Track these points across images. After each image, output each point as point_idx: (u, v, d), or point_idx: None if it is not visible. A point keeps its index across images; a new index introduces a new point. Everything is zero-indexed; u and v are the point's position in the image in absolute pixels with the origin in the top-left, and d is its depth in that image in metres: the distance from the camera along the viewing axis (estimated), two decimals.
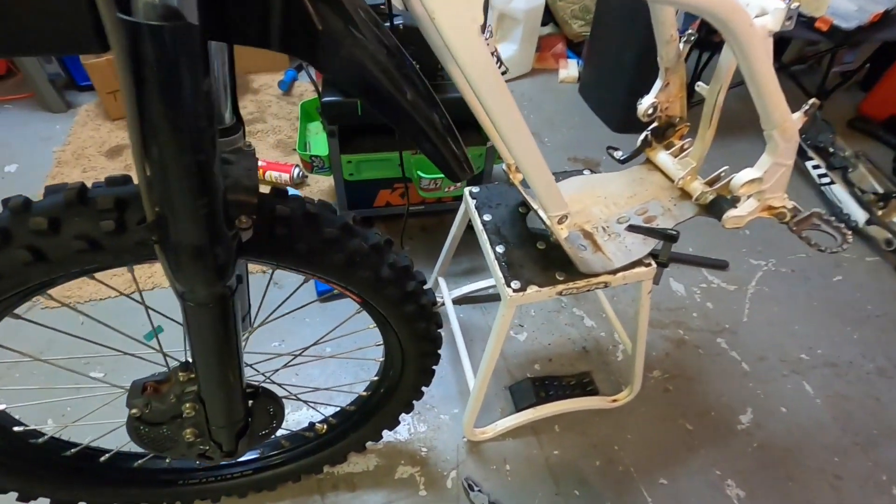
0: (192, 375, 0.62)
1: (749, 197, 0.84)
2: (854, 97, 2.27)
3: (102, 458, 0.81)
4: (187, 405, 0.62)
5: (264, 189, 0.54)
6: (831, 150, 1.80)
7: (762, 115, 0.71)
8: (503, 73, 1.34)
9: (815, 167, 1.77)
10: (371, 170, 1.32)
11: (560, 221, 0.73)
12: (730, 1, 0.53)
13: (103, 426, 0.76)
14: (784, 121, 0.70)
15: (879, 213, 1.60)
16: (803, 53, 2.28)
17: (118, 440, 0.74)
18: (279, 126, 1.91)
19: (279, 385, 0.87)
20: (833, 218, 0.82)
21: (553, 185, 0.67)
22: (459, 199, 1.24)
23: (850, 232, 0.80)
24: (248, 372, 0.83)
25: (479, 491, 1.03)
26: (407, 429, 1.12)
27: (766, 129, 0.72)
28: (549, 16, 2.37)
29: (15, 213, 0.47)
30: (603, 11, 1.98)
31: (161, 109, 0.35)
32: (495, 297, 1.37)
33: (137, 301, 0.67)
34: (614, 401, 1.18)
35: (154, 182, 0.39)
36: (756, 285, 1.49)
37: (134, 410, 0.63)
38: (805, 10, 0.64)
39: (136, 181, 0.44)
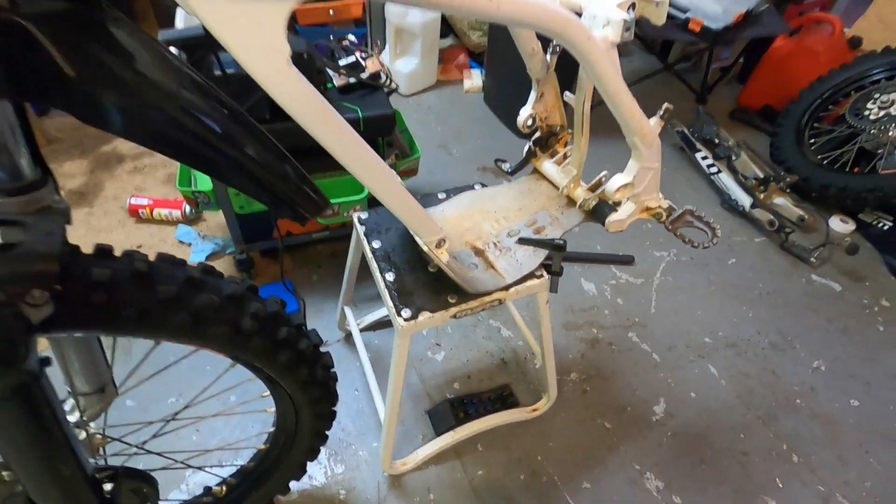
0: None
1: (627, 200, 0.86)
2: (734, 90, 2.46)
3: None
4: None
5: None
6: (716, 141, 1.93)
7: (621, 124, 0.72)
8: (392, 90, 1.32)
9: (704, 158, 1.89)
10: None
11: (438, 246, 0.71)
12: (562, 17, 0.53)
13: None
14: (641, 127, 0.72)
15: (761, 196, 1.72)
16: (686, 52, 2.45)
17: None
18: (169, 159, 1.77)
19: (160, 455, 0.78)
20: (703, 214, 0.86)
21: (419, 212, 0.64)
22: None
23: (718, 226, 0.84)
24: (115, 446, 0.74)
25: None
26: (323, 472, 1.05)
27: (627, 137, 0.74)
28: (448, 28, 2.38)
29: None
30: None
31: None
32: None
33: None
34: (534, 410, 1.17)
35: None
36: (661, 276, 1.56)
37: None
38: (650, 19, 0.66)
39: None
